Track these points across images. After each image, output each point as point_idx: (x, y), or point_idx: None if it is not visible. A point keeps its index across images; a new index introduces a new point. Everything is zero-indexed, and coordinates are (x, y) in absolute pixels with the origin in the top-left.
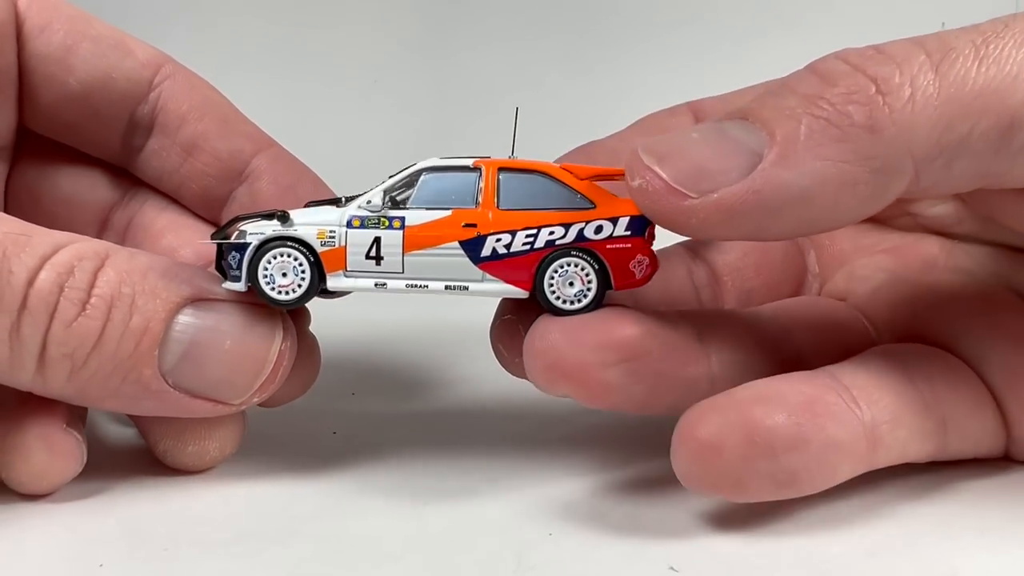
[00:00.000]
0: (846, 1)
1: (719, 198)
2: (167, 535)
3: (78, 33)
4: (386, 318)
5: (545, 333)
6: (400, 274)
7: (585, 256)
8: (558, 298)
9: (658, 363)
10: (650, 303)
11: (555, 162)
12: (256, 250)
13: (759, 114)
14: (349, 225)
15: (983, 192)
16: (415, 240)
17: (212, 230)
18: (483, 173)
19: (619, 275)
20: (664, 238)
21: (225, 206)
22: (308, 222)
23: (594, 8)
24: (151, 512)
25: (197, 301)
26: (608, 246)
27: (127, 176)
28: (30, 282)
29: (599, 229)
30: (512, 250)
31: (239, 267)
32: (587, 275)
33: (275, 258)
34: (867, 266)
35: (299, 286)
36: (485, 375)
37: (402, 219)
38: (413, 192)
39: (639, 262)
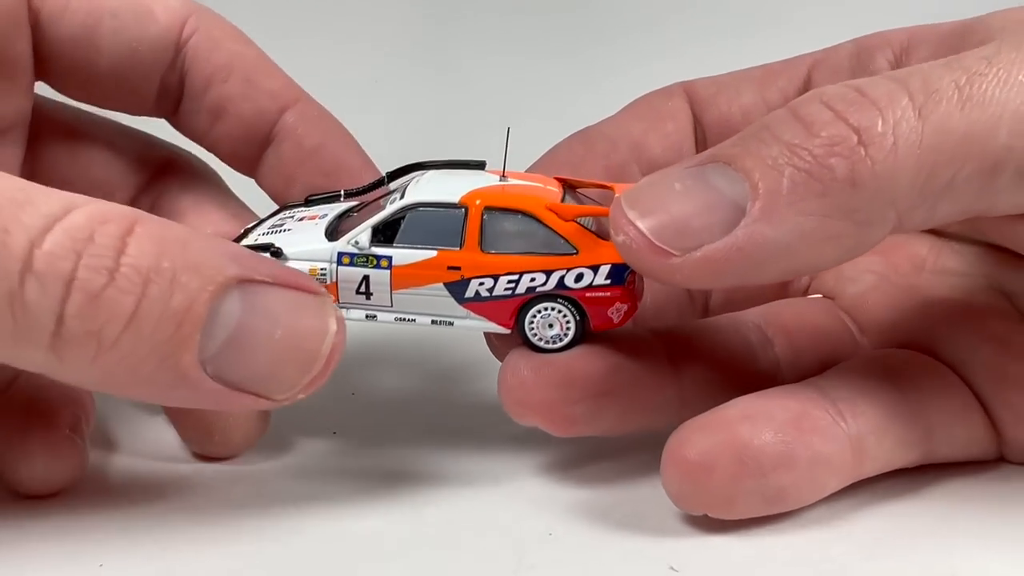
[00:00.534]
0: None
1: (702, 256)
2: (167, 535)
3: (98, 10)
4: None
5: (516, 369)
6: (389, 308)
7: (565, 303)
8: (538, 338)
9: (625, 396)
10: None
11: (551, 152)
12: None
13: (742, 162)
14: (339, 262)
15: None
16: (402, 280)
17: (237, 212)
18: (468, 213)
19: (597, 320)
20: None
21: (258, 169)
22: (300, 257)
23: (594, 8)
24: (151, 512)
25: (244, 282)
26: (588, 294)
27: (153, 155)
28: (34, 243)
29: (579, 277)
30: (494, 294)
31: None
32: (566, 319)
33: None
34: (855, 266)
35: None
36: (486, 375)
37: (389, 259)
38: (400, 229)
39: (617, 309)
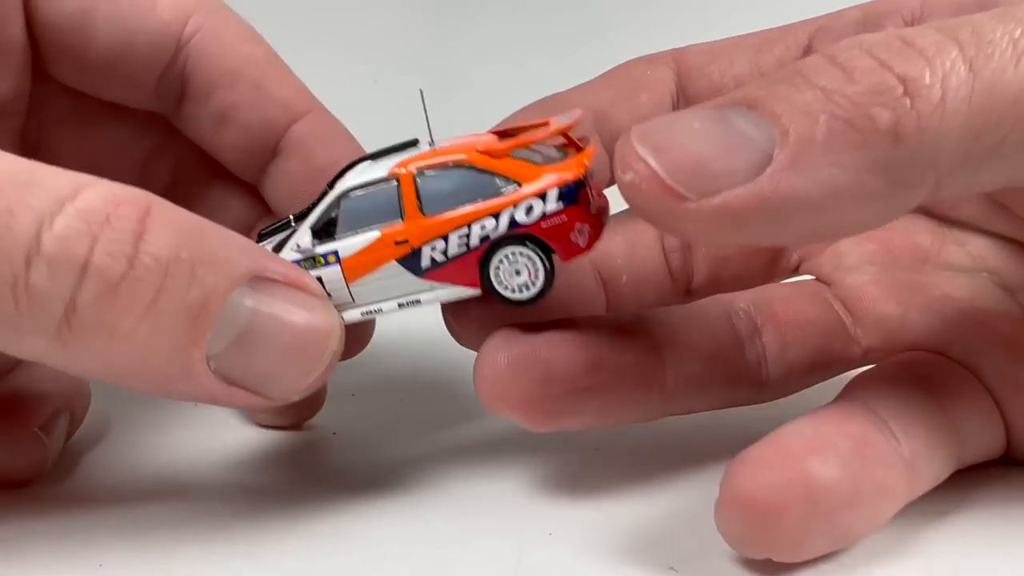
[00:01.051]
0: None
1: (721, 202)
2: (167, 535)
3: None
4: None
5: (493, 361)
6: (352, 304)
7: (524, 243)
8: (509, 290)
9: (607, 392)
10: (615, 270)
11: (509, 118)
12: None
13: (770, 106)
14: None
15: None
16: (354, 270)
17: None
18: (401, 182)
19: (563, 249)
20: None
21: (262, 181)
22: None
23: (594, 7)
24: (151, 512)
25: (256, 279)
26: (543, 224)
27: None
28: (43, 225)
29: (530, 209)
30: (450, 255)
31: None
32: (531, 261)
33: None
34: (854, 255)
35: None
36: None
37: (335, 253)
38: (338, 220)
39: (579, 231)
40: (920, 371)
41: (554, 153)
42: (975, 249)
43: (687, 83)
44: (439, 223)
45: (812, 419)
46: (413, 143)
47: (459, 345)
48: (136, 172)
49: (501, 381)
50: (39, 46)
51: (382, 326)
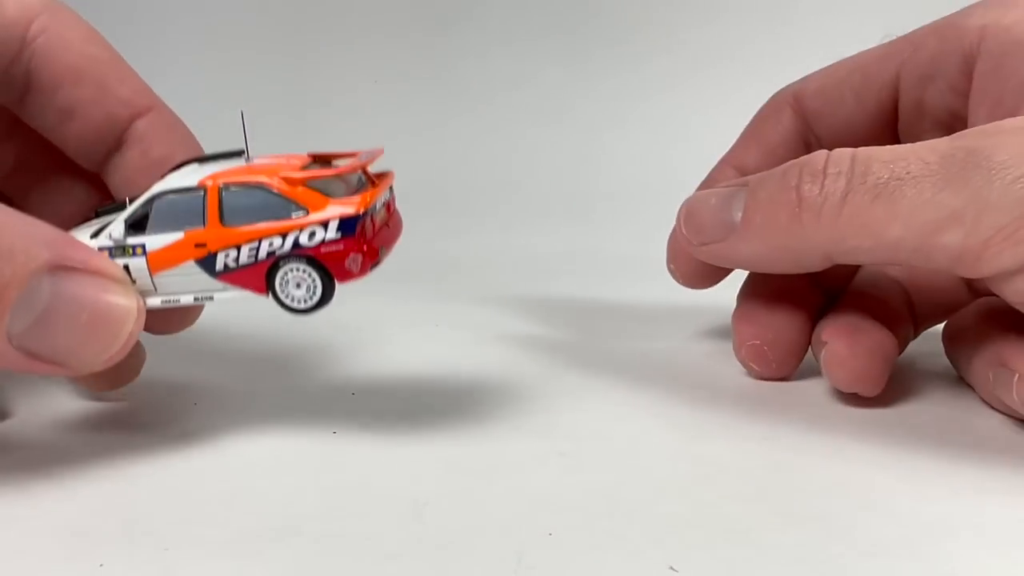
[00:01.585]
0: None
1: (706, 250)
2: (167, 535)
3: None
4: (386, 317)
5: (853, 353)
6: (155, 292)
7: (304, 261)
8: (290, 299)
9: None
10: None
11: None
12: None
13: (751, 193)
14: (104, 253)
15: None
16: (158, 263)
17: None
18: (207, 193)
19: (338, 273)
20: None
21: (104, 171)
22: None
23: (594, 7)
24: (151, 512)
25: (56, 268)
26: (322, 249)
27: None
28: None
29: (312, 235)
30: (241, 263)
31: None
32: (310, 277)
33: None
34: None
35: None
36: (486, 376)
37: (143, 246)
38: (150, 217)
39: (354, 259)
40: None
41: (356, 182)
42: None
43: (813, 124)
44: (235, 234)
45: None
46: (239, 153)
47: (461, 346)
48: None
49: (858, 365)
50: None
51: (383, 325)
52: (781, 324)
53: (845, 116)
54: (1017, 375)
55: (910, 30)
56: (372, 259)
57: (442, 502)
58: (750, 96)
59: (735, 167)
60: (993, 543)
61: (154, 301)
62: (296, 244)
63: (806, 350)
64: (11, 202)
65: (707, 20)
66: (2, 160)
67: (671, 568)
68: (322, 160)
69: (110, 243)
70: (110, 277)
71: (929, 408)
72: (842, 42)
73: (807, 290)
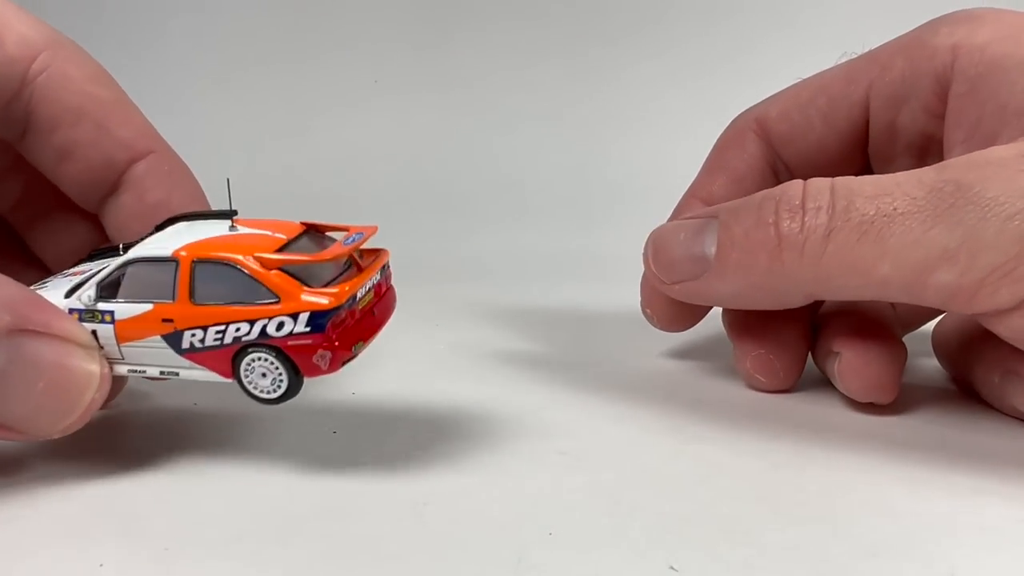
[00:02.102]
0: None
1: (679, 288)
2: (167, 535)
3: None
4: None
5: (865, 362)
6: (122, 360)
7: (271, 352)
8: (255, 387)
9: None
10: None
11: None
12: None
13: (724, 227)
14: (75, 316)
15: None
16: (125, 333)
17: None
18: (179, 266)
19: (305, 367)
20: None
21: (101, 213)
22: None
23: (594, 7)
24: (151, 512)
25: (15, 332)
26: (290, 343)
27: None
28: None
29: (280, 326)
30: (206, 344)
31: None
32: (277, 369)
33: None
34: None
35: None
36: (486, 376)
37: (112, 313)
38: (122, 283)
39: (322, 356)
40: None
41: (344, 263)
42: None
43: (780, 150)
44: (202, 313)
45: None
46: (229, 214)
47: (461, 346)
48: None
49: (874, 374)
50: None
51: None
52: (782, 333)
53: (815, 140)
54: None
55: (867, 48)
56: (343, 355)
57: (442, 502)
58: (750, 96)
59: (702, 200)
60: (993, 543)
61: (120, 369)
62: (264, 333)
63: (807, 357)
64: (16, 234)
65: (707, 20)
66: (8, 192)
67: (671, 568)
68: (315, 230)
69: (80, 306)
70: (74, 341)
71: (928, 409)
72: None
73: None
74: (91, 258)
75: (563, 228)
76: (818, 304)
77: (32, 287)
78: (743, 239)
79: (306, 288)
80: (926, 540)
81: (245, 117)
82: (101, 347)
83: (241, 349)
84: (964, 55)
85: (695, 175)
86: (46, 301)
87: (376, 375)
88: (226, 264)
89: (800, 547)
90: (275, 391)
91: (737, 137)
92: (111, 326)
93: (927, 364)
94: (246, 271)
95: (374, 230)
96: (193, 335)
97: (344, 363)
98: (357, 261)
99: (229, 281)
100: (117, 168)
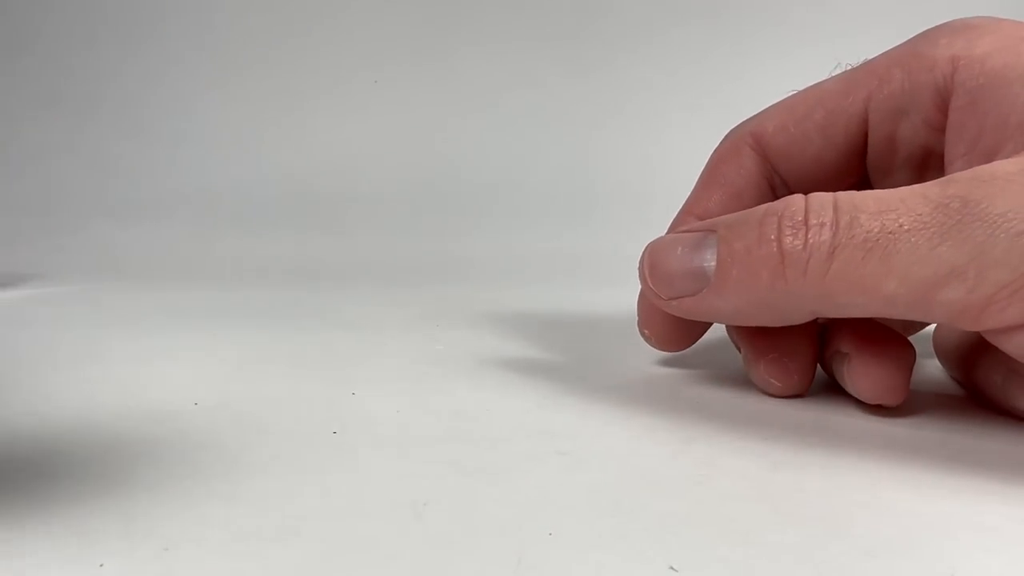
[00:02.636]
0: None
1: (677, 304)
2: (167, 535)
3: None
4: (386, 317)
5: (879, 365)
6: None
7: None
8: None
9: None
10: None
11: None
12: None
13: (723, 242)
14: None
15: None
16: None
17: None
18: None
19: None
20: None
21: None
22: None
23: (593, 8)
24: (151, 512)
25: None
26: None
27: None
28: None
29: None
30: None
31: None
32: None
33: None
34: None
35: None
36: (485, 375)
37: None
38: None
39: None
40: None
41: None
42: None
43: (778, 164)
44: None
45: None
46: None
47: (461, 346)
48: None
49: (886, 376)
50: None
51: (383, 324)
52: (792, 336)
53: (812, 154)
54: None
55: (864, 59)
56: None
57: (442, 502)
58: (750, 96)
59: (698, 216)
60: (993, 543)
61: None
62: None
63: (817, 360)
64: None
65: (708, 21)
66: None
67: (671, 568)
68: None
69: None
70: None
71: (928, 409)
72: (842, 43)
73: None
74: None
75: (563, 228)
76: None
77: None
78: (744, 255)
79: None
80: (926, 540)
81: (245, 117)
82: None
83: None
84: (964, 67)
85: (695, 176)
86: None
87: (376, 375)
88: None
89: (800, 547)
90: None
91: (733, 151)
92: None
93: (928, 364)
94: None
95: None
96: None
97: None
98: None
99: None
100: None
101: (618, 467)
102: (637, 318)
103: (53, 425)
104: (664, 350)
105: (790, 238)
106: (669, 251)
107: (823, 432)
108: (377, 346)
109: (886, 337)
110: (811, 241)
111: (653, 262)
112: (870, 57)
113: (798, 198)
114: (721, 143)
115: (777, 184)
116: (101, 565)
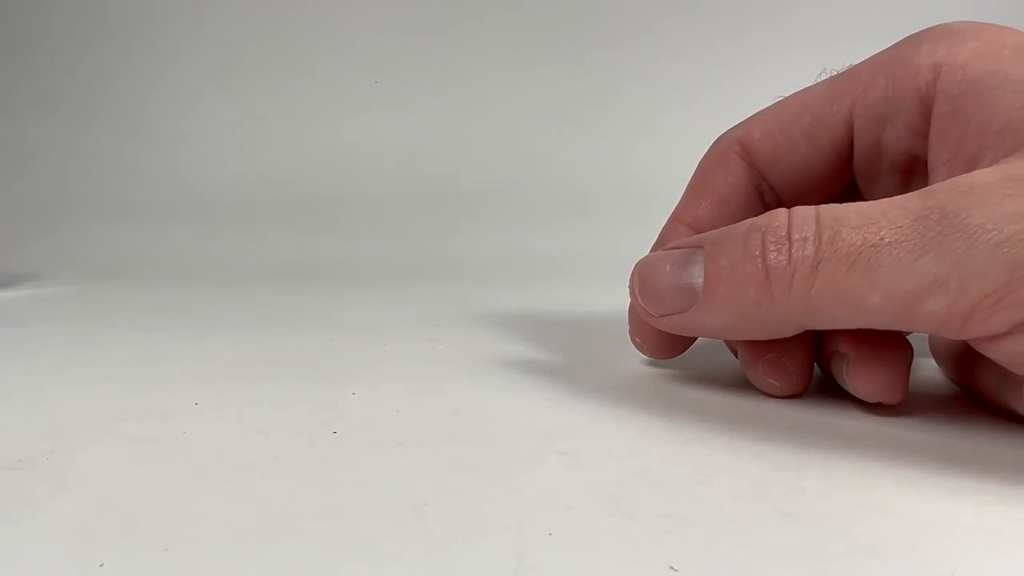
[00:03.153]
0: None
1: (667, 321)
2: (167, 535)
3: None
4: (387, 317)
5: (875, 368)
6: None
7: None
8: None
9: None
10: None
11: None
12: None
13: (710, 258)
14: None
15: None
16: None
17: None
18: None
19: None
20: None
21: None
22: None
23: (593, 8)
24: (151, 512)
25: None
26: None
27: None
28: None
29: None
30: None
31: None
32: None
33: None
34: None
35: None
36: (485, 375)
37: None
38: None
39: None
40: None
41: None
42: None
43: (765, 171)
44: None
45: None
46: None
47: (459, 347)
48: None
49: (884, 374)
50: None
51: (382, 324)
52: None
53: (799, 160)
54: None
55: (847, 65)
56: None
57: (442, 502)
58: (751, 96)
59: (688, 224)
60: (993, 543)
61: None
62: None
63: (815, 359)
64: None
65: (708, 21)
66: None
67: (671, 568)
68: None
69: None
70: None
71: (927, 409)
72: (841, 44)
73: None
74: None
75: (563, 228)
76: None
77: None
78: (730, 272)
79: None
80: (926, 540)
81: (245, 117)
82: None
83: None
84: (946, 73)
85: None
86: None
87: (376, 375)
88: None
89: (800, 547)
90: None
91: (720, 159)
92: None
93: (926, 364)
94: None
95: None
96: None
97: None
98: None
99: None
100: None
101: (618, 467)
102: (628, 328)
103: (53, 425)
104: (657, 358)
105: (774, 253)
106: (658, 268)
107: (822, 432)
108: (377, 346)
109: (884, 335)
110: (795, 256)
111: (642, 280)
112: (855, 63)
113: (781, 213)
114: (708, 151)
115: (765, 191)
116: (101, 565)
